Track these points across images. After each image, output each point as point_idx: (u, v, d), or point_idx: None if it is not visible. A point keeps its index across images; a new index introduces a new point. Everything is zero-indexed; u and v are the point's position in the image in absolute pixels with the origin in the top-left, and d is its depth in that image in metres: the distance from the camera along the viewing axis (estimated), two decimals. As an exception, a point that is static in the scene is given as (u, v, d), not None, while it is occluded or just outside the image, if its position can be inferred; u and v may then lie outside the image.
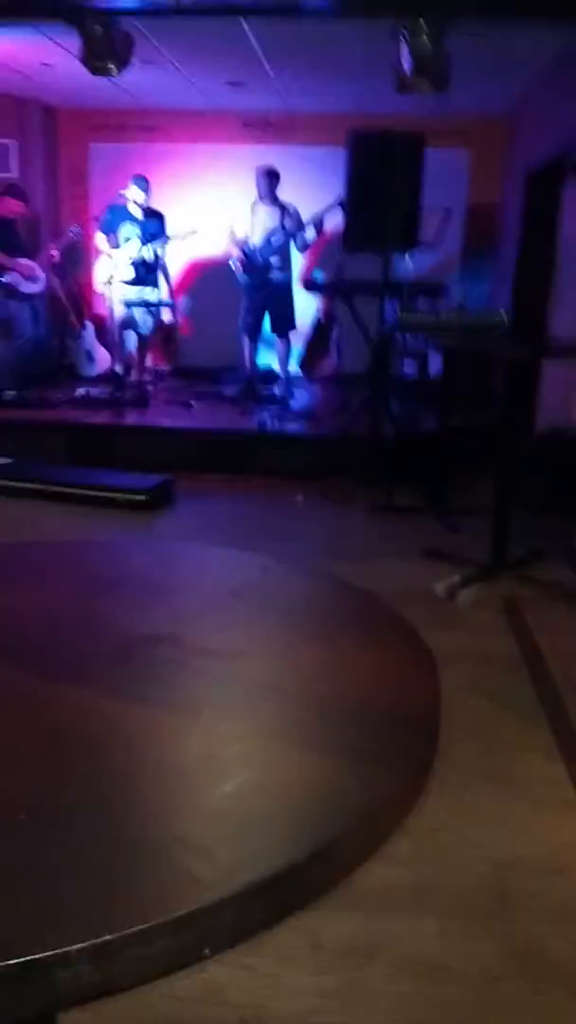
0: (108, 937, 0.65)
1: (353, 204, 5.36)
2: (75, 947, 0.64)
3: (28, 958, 0.63)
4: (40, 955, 0.64)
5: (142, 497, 4.68)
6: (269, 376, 7.23)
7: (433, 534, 4.29)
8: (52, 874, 0.71)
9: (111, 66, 4.78)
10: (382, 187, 5.09)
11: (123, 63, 4.81)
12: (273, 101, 7.24)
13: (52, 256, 6.75)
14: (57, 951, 0.64)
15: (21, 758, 0.86)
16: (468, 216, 7.66)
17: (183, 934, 0.69)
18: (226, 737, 0.89)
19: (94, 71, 4.84)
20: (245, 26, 5.14)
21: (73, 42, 5.09)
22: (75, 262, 7.60)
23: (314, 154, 7.29)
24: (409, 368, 6.49)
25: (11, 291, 6.41)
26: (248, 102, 7.27)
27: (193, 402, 6.52)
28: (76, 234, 7.05)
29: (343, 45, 5.51)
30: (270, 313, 6.59)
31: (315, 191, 6.66)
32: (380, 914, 1.78)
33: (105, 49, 4.75)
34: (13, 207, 6.58)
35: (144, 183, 6.50)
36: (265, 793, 0.81)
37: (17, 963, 0.63)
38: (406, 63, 4.37)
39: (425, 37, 4.22)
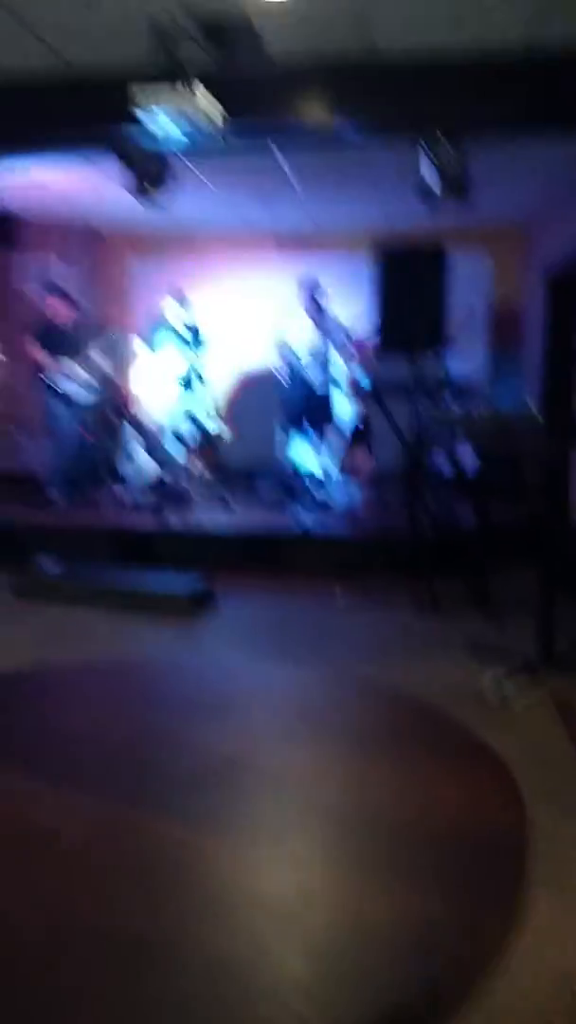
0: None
1: (382, 311, 5.59)
2: None
3: None
4: None
5: (185, 600, 4.74)
6: (308, 476, 7.37)
7: (477, 629, 4.28)
8: (155, 1007, 0.72)
9: (152, 191, 5.14)
10: (409, 295, 5.31)
11: (163, 188, 5.16)
12: (303, 219, 7.68)
13: (94, 359, 7.01)
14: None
15: (118, 892, 0.88)
16: (492, 319, 7.91)
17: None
18: (313, 868, 0.91)
19: (136, 196, 5.20)
20: (278, 153, 5.52)
21: (119, 172, 5.51)
22: (117, 366, 7.93)
23: (343, 266, 7.65)
24: (443, 465, 6.59)
25: (56, 393, 6.61)
26: (279, 221, 7.72)
27: (233, 503, 6.66)
28: (117, 339, 7.37)
29: (368, 164, 5.88)
30: (310, 416, 6.83)
31: (345, 301, 6.98)
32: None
33: (146, 176, 5.11)
34: (60, 309, 6.82)
35: (184, 299, 6.88)
36: (361, 930, 0.82)
37: None
38: (429, 177, 4.63)
39: (446, 152, 4.50)
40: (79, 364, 6.75)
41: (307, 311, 6.74)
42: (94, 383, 7.37)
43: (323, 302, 6.79)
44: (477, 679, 3.53)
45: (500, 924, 0.86)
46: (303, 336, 6.76)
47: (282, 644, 4.15)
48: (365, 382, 7.40)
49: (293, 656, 3.91)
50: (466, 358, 7.01)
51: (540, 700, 3.40)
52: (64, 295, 6.90)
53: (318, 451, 7.09)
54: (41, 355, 6.53)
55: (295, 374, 6.72)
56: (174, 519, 6.20)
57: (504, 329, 7.93)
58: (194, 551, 5.65)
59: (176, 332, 6.89)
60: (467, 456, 6.11)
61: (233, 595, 5.06)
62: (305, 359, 6.74)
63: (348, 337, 6.74)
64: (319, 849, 0.95)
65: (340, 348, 6.78)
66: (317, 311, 6.78)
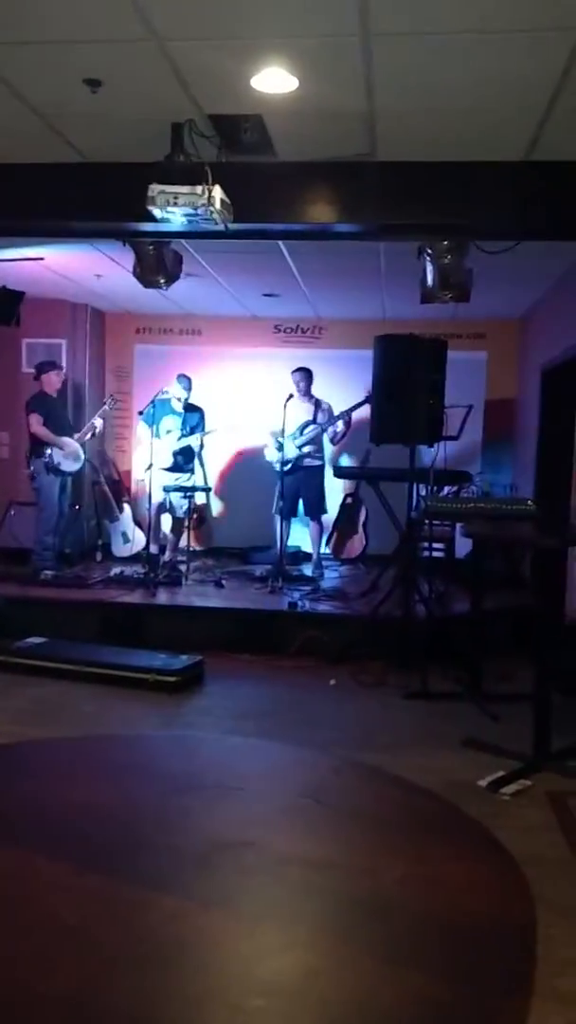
0: None
1: (380, 400, 5.68)
2: None
3: None
4: None
5: (173, 678, 4.66)
6: (299, 556, 7.38)
7: (471, 722, 4.20)
8: None
9: (161, 281, 5.29)
10: (407, 385, 5.38)
11: (172, 279, 5.32)
12: (305, 310, 7.92)
13: (94, 427, 7.06)
14: None
15: (116, 971, 0.84)
16: (488, 410, 8.07)
17: None
18: (326, 955, 0.87)
19: (146, 285, 5.35)
20: (281, 246, 5.72)
21: (124, 256, 5.68)
22: (114, 441, 8.02)
23: (342, 356, 7.86)
24: (436, 550, 6.60)
25: (51, 467, 6.62)
26: (282, 310, 7.96)
27: (225, 581, 6.63)
28: (111, 406, 7.46)
29: (370, 262, 6.09)
30: (304, 498, 6.91)
31: (344, 389, 7.16)
32: None
33: (156, 266, 5.27)
34: (54, 382, 6.87)
35: (187, 381, 7.05)
36: (368, 1013, 0.78)
37: None
38: (431, 279, 4.80)
39: (448, 256, 4.68)
40: (76, 438, 6.80)
41: (300, 397, 6.88)
42: (90, 457, 7.43)
43: (314, 389, 6.95)
44: (471, 773, 3.45)
45: (508, 1009, 0.81)
46: (298, 420, 6.88)
47: (270, 727, 4.06)
48: (346, 462, 7.53)
49: (280, 740, 3.82)
50: (462, 446, 7.12)
51: (534, 796, 3.31)
52: (55, 366, 7.01)
53: (311, 532, 7.13)
54: (39, 428, 6.59)
55: (289, 457, 6.80)
56: (164, 595, 6.16)
57: (498, 420, 8.09)
58: (183, 629, 5.58)
59: (175, 410, 7.02)
60: (461, 542, 6.13)
61: (222, 675, 4.98)
62: (300, 442, 6.84)
63: (345, 424, 6.87)
64: (331, 935, 0.91)
65: (330, 433, 6.90)
66: (310, 398, 6.93)
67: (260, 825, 1.18)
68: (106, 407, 7.31)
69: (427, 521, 5.95)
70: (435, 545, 6.57)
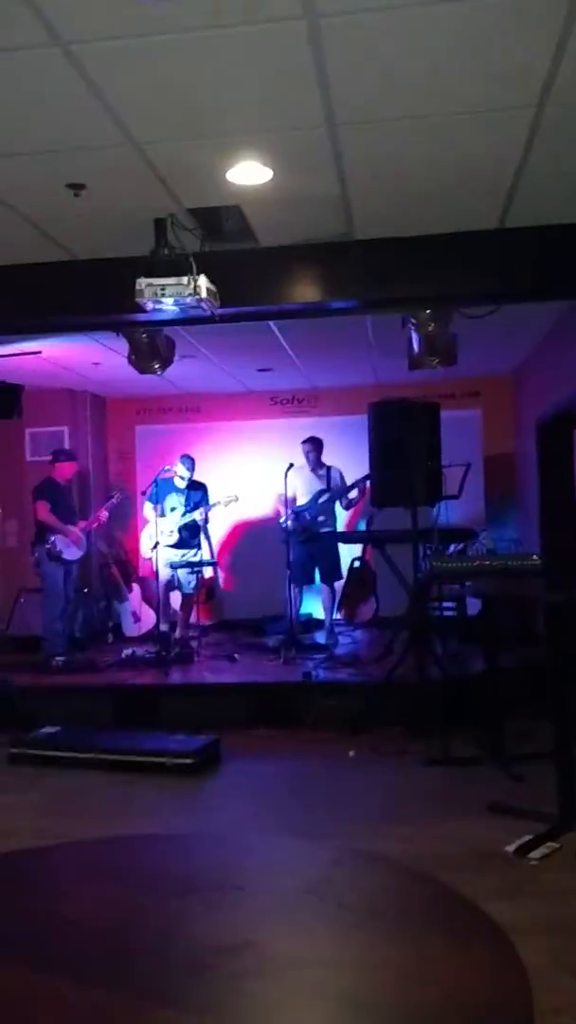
0: None
1: (377, 465, 5.75)
2: None
3: None
4: None
5: (189, 760, 4.59)
6: (311, 624, 7.34)
7: (495, 785, 4.11)
8: None
9: (155, 366, 5.42)
10: (403, 449, 5.45)
11: (166, 363, 5.45)
12: (299, 381, 8.07)
13: (100, 518, 7.14)
14: None
15: None
16: (486, 466, 8.12)
17: None
18: None
19: (141, 371, 5.48)
20: (271, 323, 5.87)
21: (120, 344, 5.83)
22: (120, 523, 8.08)
23: (338, 423, 7.97)
24: (448, 608, 6.57)
25: (54, 555, 6.65)
26: (277, 383, 8.12)
27: (237, 655, 6.58)
28: (120, 496, 7.54)
29: (358, 332, 6.23)
30: (320, 565, 6.93)
31: (341, 455, 7.24)
32: None
33: (150, 353, 5.41)
34: (66, 472, 7.00)
35: (189, 461, 7.17)
36: None
37: None
38: (417, 347, 4.90)
39: (432, 324, 4.79)
40: (82, 528, 6.86)
41: (307, 465, 6.96)
42: (98, 541, 7.48)
43: (322, 457, 7.05)
44: (498, 841, 3.37)
45: None
46: (304, 488, 6.94)
47: (289, 810, 3.98)
48: (363, 530, 7.55)
49: (300, 824, 3.75)
50: (463, 505, 7.15)
51: (563, 861, 3.22)
52: (70, 457, 7.13)
53: (323, 598, 7.11)
54: (47, 515, 6.65)
55: (302, 524, 6.85)
56: (177, 674, 6.12)
57: (498, 476, 8.12)
58: (198, 706, 5.52)
59: (179, 488, 7.09)
60: (473, 600, 6.09)
61: (239, 752, 4.91)
62: (315, 511, 6.89)
63: (360, 491, 6.91)
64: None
65: (340, 499, 6.97)
66: (318, 465, 7.01)
67: (258, 925, 1.15)
68: (114, 500, 7.39)
69: (435, 581, 5.96)
70: (446, 604, 6.55)
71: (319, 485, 6.98)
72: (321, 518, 6.91)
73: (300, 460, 7.02)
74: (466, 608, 6.71)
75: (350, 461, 7.01)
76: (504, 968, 1.02)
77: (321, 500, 6.92)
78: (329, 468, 7.06)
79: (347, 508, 7.16)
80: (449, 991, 0.99)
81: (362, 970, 1.06)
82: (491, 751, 4.54)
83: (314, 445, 7.08)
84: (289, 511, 6.92)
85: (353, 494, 6.95)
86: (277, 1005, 0.97)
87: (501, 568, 4.72)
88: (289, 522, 6.90)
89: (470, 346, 5.44)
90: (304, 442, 7.10)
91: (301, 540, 6.82)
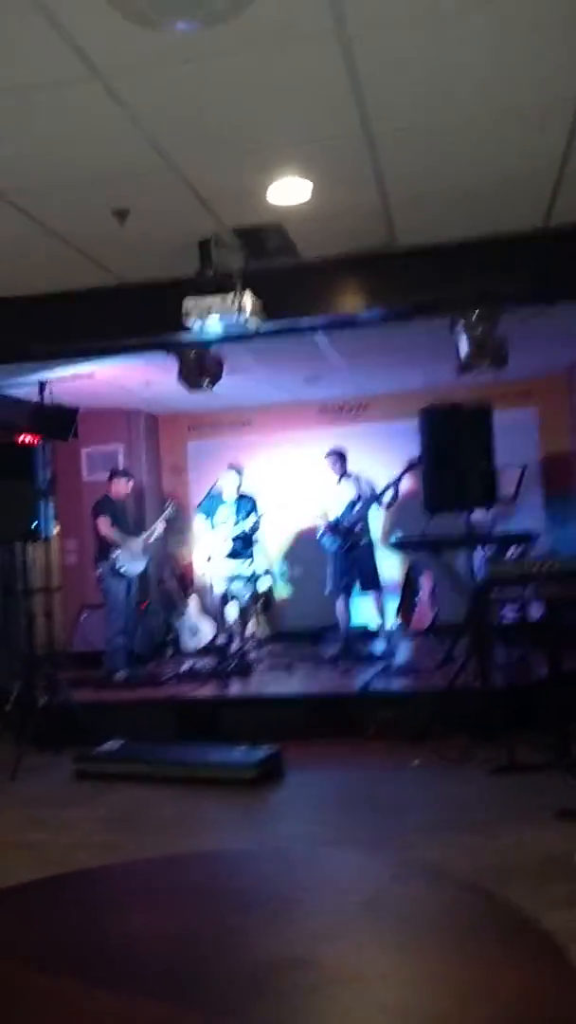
0: None
1: (429, 469, 5.69)
2: None
3: None
4: None
5: (252, 773, 4.60)
6: (366, 634, 7.31)
7: (563, 792, 4.02)
8: None
9: (205, 383, 5.48)
10: (455, 452, 5.37)
11: (215, 380, 5.50)
12: (347, 388, 8.06)
13: (155, 531, 7.25)
14: None
15: None
16: (544, 467, 7.97)
17: None
18: None
19: (191, 389, 5.54)
20: (319, 335, 5.88)
21: (170, 363, 5.90)
22: (178, 538, 8.18)
23: (388, 429, 7.93)
24: (509, 612, 6.46)
25: (116, 571, 6.76)
26: (325, 392, 8.12)
27: (295, 666, 6.59)
28: (173, 509, 7.63)
29: (404, 337, 6.19)
30: (360, 572, 6.91)
31: (392, 461, 7.20)
32: None
33: (199, 370, 5.47)
34: (122, 489, 7.13)
35: (239, 472, 7.21)
36: None
37: None
38: (465, 350, 4.85)
39: (480, 327, 4.73)
40: (142, 539, 6.97)
41: (340, 478, 7.00)
42: (156, 556, 7.59)
43: (362, 464, 7.03)
44: (568, 848, 3.30)
45: None
46: (343, 500, 6.94)
47: (353, 822, 3.97)
48: (397, 535, 7.49)
49: (365, 835, 3.73)
50: (521, 507, 7.04)
51: None
52: (126, 475, 7.26)
53: (375, 604, 7.08)
54: (108, 530, 6.77)
55: (340, 534, 6.85)
56: (236, 686, 6.15)
57: (556, 476, 7.96)
58: (259, 719, 5.54)
59: (232, 502, 7.17)
60: (533, 604, 5.98)
61: (301, 764, 4.90)
62: (351, 520, 6.87)
63: (395, 490, 6.88)
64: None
65: (376, 502, 6.94)
66: (349, 476, 7.04)
67: (316, 940, 1.16)
68: (168, 511, 7.48)
69: (494, 586, 5.86)
70: (508, 609, 6.44)
71: (350, 495, 6.98)
72: (358, 526, 6.91)
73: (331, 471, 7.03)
74: (528, 612, 6.59)
75: (398, 467, 6.96)
76: (568, 984, 1.01)
77: (356, 509, 6.92)
78: (358, 477, 7.07)
79: (386, 508, 7.13)
80: (510, 1007, 0.98)
81: (421, 985, 1.05)
82: (558, 757, 4.44)
83: (336, 458, 7.09)
84: (326, 523, 6.95)
85: (387, 496, 6.92)
86: (337, 1021, 0.98)
87: (561, 570, 4.62)
88: (327, 533, 6.93)
89: (520, 348, 5.35)
90: (327, 455, 7.12)
91: (340, 550, 6.83)
